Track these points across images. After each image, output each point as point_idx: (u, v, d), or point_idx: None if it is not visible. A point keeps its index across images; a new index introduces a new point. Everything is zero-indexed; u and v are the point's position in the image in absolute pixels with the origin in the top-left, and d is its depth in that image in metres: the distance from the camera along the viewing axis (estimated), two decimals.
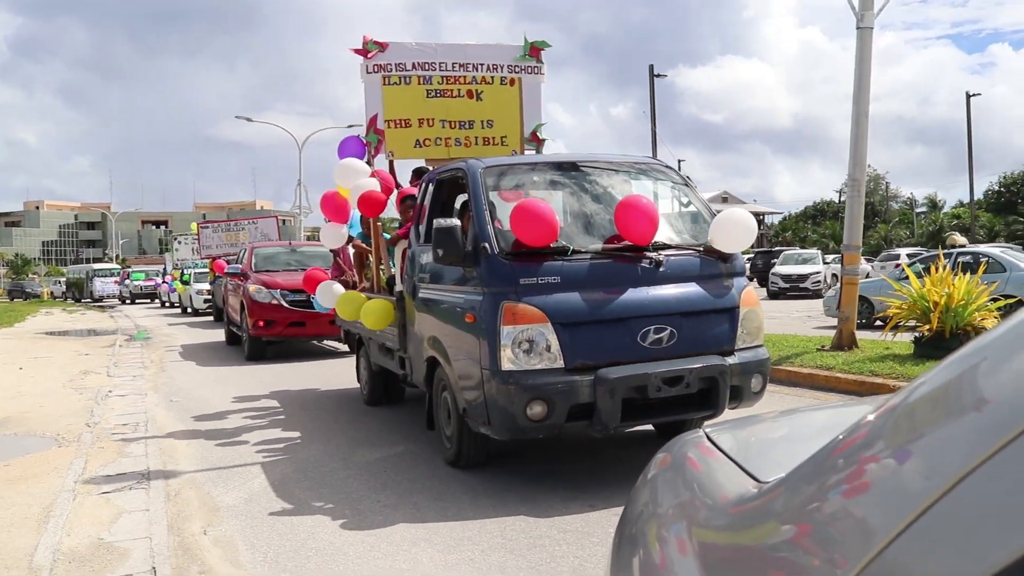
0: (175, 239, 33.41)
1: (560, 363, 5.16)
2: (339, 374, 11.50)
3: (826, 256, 30.94)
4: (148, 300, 44.13)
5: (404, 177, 8.73)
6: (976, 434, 0.83)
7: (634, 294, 5.37)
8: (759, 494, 1.28)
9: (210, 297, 25.09)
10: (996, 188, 70.36)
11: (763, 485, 1.32)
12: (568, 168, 6.25)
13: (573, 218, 5.95)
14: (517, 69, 8.71)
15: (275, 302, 13.06)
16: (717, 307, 5.57)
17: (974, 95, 41.56)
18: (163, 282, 37.00)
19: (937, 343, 9.43)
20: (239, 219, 26.75)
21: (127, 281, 46.45)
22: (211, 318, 24.80)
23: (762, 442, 1.85)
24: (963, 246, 26.95)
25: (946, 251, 15.84)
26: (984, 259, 13.68)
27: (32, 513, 5.40)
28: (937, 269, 9.68)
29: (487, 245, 5.38)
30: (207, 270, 25.27)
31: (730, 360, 5.48)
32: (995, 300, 9.97)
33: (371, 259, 8.70)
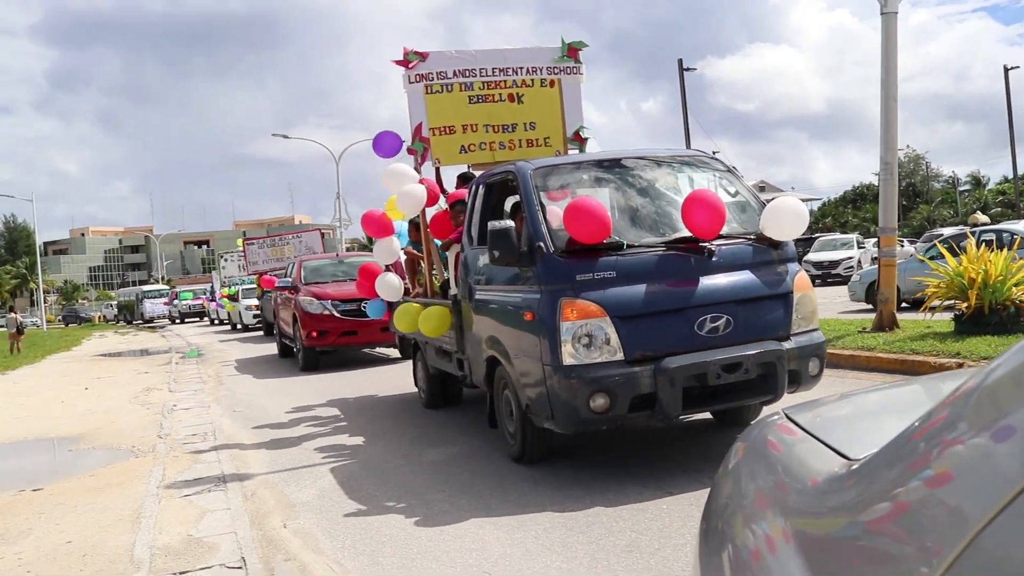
0: (221, 257, 34.01)
1: (620, 355, 5.27)
2: (393, 380, 11.70)
3: (865, 240, 30.49)
4: (197, 319, 44.96)
5: (449, 183, 8.90)
6: None
7: (689, 284, 5.46)
8: (850, 473, 1.25)
9: (259, 312, 25.52)
10: None
11: (853, 463, 1.29)
12: (615, 165, 6.36)
13: (624, 213, 6.04)
14: (556, 71, 8.83)
15: (327, 312, 13.34)
16: (771, 293, 5.64)
17: (1012, 68, 40.80)
18: (212, 300, 37.67)
19: (977, 319, 9.48)
20: (284, 234, 27.17)
21: (176, 301, 47.35)
22: (261, 333, 25.23)
23: (845, 420, 1.80)
24: (986, 224, 26.58)
25: (971, 230, 15.86)
26: (1012, 236, 13.59)
27: (124, 515, 5.81)
28: (961, 248, 9.67)
29: (542, 244, 5.51)
30: (255, 285, 25.74)
31: (787, 345, 5.55)
32: None
33: (423, 265, 8.87)
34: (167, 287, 58.15)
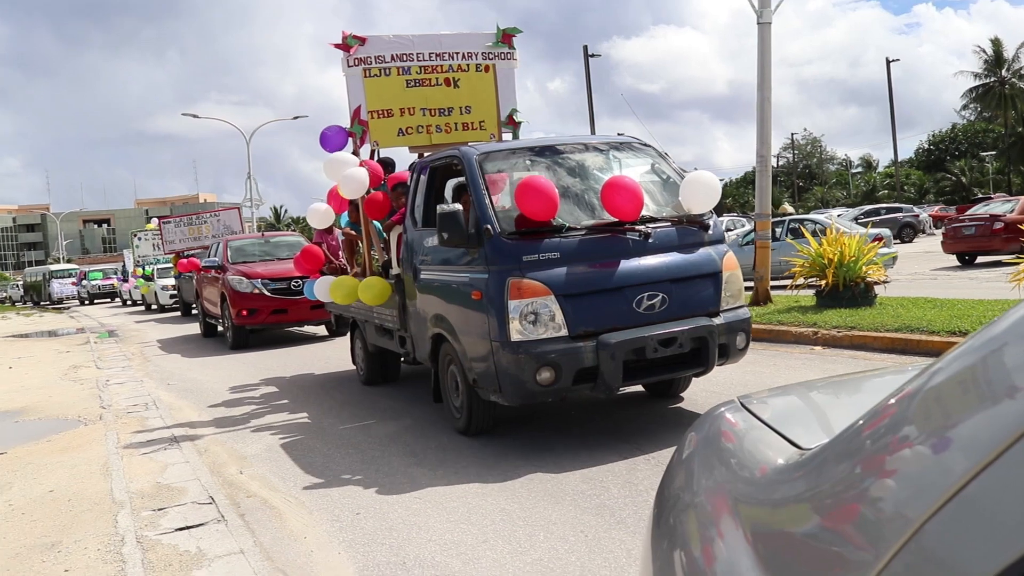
0: (135, 235, 33.12)
1: (564, 331, 5.61)
2: (325, 358, 11.87)
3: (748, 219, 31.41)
4: (108, 299, 43.73)
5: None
6: (1002, 417, 0.84)
7: (627, 265, 5.83)
8: (800, 463, 1.27)
9: (176, 292, 25.10)
10: (926, 146, 72.13)
11: (804, 452, 1.31)
12: (555, 151, 6.67)
13: (565, 197, 6.35)
14: (491, 56, 9.09)
15: (257, 291, 13.40)
16: (702, 272, 6.06)
17: (894, 60, 43.00)
18: (124, 280, 36.71)
19: (834, 294, 10.94)
20: (201, 212, 26.68)
21: (84, 281, 45.90)
22: (178, 313, 24.86)
23: (797, 409, 1.82)
24: (792, 214, 28.19)
25: (776, 219, 17.48)
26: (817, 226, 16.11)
27: (93, 470, 6.40)
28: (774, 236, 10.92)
29: (489, 227, 5.80)
30: (171, 266, 25.29)
31: (717, 320, 5.98)
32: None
33: (361, 245, 9.06)
34: (75, 267, 56.24)
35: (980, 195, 48.05)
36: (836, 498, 1.09)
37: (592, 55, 37.56)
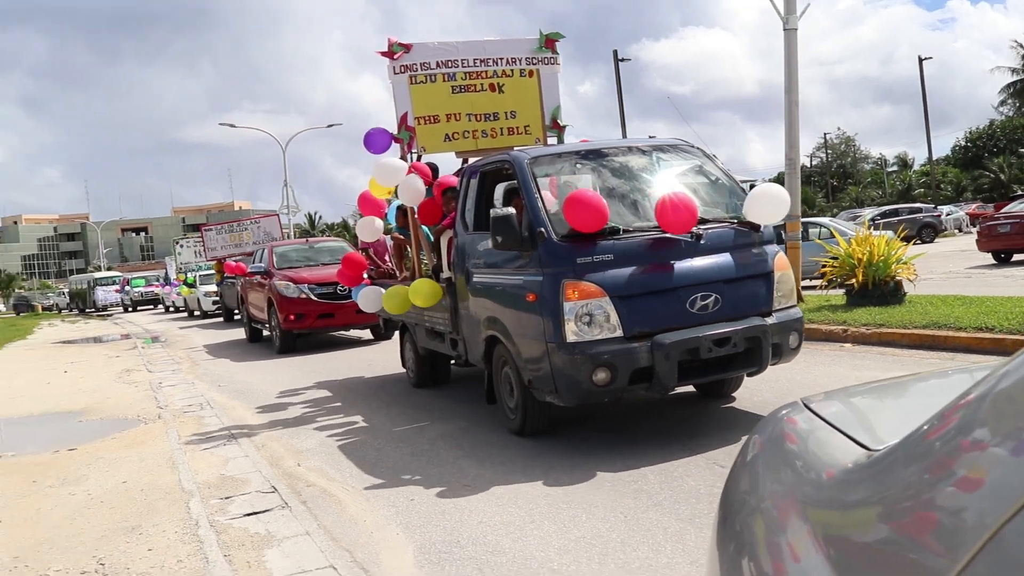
0: (176, 243, 33.69)
1: (619, 332, 5.69)
2: (373, 361, 12.04)
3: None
4: (151, 306, 44.43)
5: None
6: None
7: (680, 266, 5.90)
8: (868, 464, 1.25)
9: (219, 299, 25.49)
10: (963, 144, 71.19)
11: (872, 453, 1.29)
12: (604, 154, 6.76)
13: (616, 199, 6.44)
14: (534, 61, 9.20)
15: (304, 296, 13.63)
16: (754, 273, 6.11)
17: (926, 59, 42.55)
18: (166, 286, 37.29)
19: (863, 293, 11.12)
20: (241, 219, 27.11)
21: (127, 288, 46.69)
22: (220, 319, 25.23)
23: (863, 409, 1.79)
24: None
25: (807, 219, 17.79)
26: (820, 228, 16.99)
27: (160, 463, 6.80)
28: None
29: (543, 230, 5.90)
30: (213, 272, 25.69)
31: (769, 320, 6.03)
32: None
33: (409, 250, 9.20)
34: (119, 274, 57.22)
35: (1020, 192, 47.41)
36: (908, 502, 1.08)
37: (622, 59, 37.59)
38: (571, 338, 5.66)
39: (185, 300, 31.61)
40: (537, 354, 5.94)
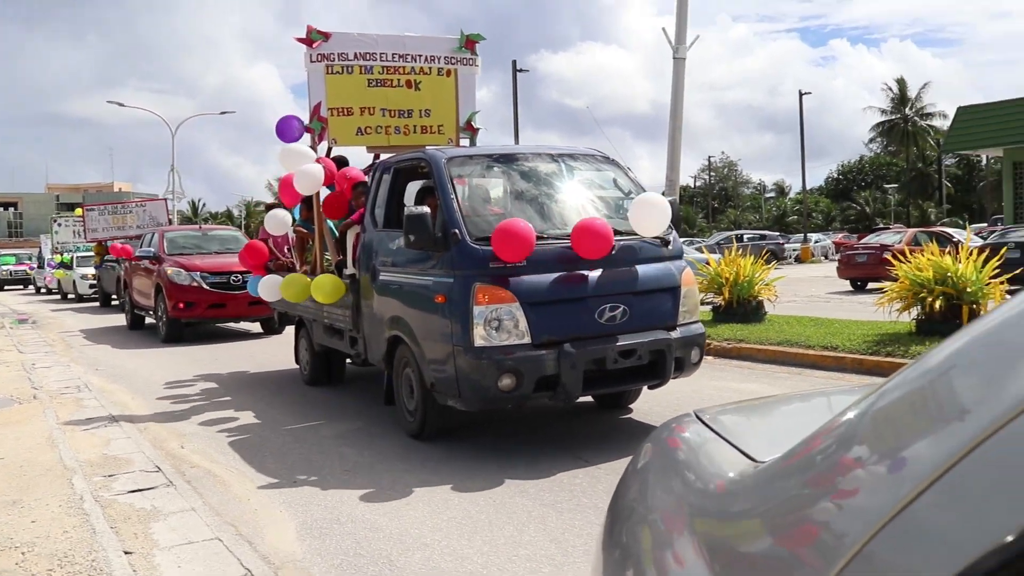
0: (54, 221, 32.01)
1: (527, 339, 5.66)
2: (262, 355, 11.69)
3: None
4: (20, 286, 42.06)
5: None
6: (947, 437, 0.87)
7: (591, 276, 5.90)
8: (753, 476, 1.28)
9: (96, 282, 24.36)
10: (835, 176, 75.32)
11: (758, 465, 1.32)
12: (522, 159, 6.73)
13: (531, 205, 6.42)
14: (453, 61, 9.11)
15: (195, 284, 13.13)
16: (662, 287, 6.18)
17: (806, 93, 45.23)
18: (40, 267, 35.38)
19: (728, 310, 11.86)
20: (127, 201, 26.06)
21: None
22: (97, 304, 24.12)
23: (752, 423, 1.83)
24: None
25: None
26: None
27: (39, 442, 6.61)
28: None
29: (457, 231, 5.81)
30: (92, 253, 24.54)
31: (674, 334, 6.10)
32: None
33: (312, 244, 8.96)
34: None
35: (881, 224, 50.41)
36: (789, 514, 1.10)
37: (520, 70, 37.89)
38: (479, 342, 5.59)
39: (59, 282, 30.04)
40: (442, 356, 5.84)
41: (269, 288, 8.90)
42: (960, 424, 0.86)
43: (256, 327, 14.96)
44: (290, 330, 13.03)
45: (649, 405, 7.17)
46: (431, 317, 5.99)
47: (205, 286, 13.14)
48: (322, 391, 8.68)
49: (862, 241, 22.88)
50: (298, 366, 9.52)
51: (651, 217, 6.19)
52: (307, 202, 9.11)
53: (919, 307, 9.39)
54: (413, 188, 7.63)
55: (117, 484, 5.44)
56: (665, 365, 6.01)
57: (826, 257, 40.09)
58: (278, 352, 11.76)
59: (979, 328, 0.98)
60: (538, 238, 5.90)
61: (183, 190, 34.71)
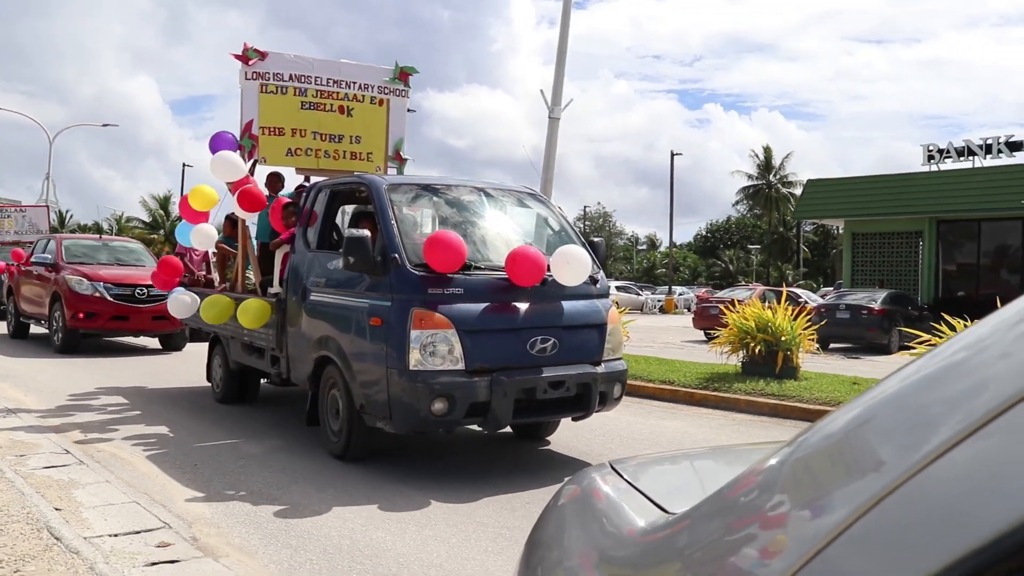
0: None
1: (461, 365, 5.81)
2: (166, 371, 11.40)
3: None
4: None
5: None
6: (860, 486, 0.89)
7: (524, 308, 6.11)
8: (665, 525, 1.30)
9: None
10: (704, 233, 78.82)
11: (669, 516, 1.34)
12: (461, 190, 6.92)
13: (466, 235, 6.59)
14: (386, 91, 9.27)
15: (97, 294, 12.70)
16: (590, 323, 6.44)
17: (677, 154, 48.87)
18: None
19: None
20: (4, 205, 24.96)
21: None
22: None
23: (667, 475, 1.88)
24: None
25: None
26: None
27: None
28: None
29: (397, 256, 5.94)
30: None
31: (599, 369, 6.36)
32: None
33: (233, 260, 8.89)
34: None
35: (742, 281, 53.08)
36: (699, 562, 1.11)
37: (409, 110, 38.31)
38: (414, 366, 5.71)
39: None
40: (374, 378, 5.93)
41: (179, 305, 8.75)
42: (874, 474, 0.88)
43: (154, 343, 14.56)
44: (190, 347, 12.90)
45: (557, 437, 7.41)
46: (365, 339, 6.08)
47: (108, 297, 12.73)
48: (237, 409, 8.58)
49: (717, 295, 24.72)
50: (210, 383, 9.36)
51: (570, 270, 6.34)
52: (231, 219, 9.06)
53: (744, 351, 10.83)
54: (346, 212, 7.73)
55: (31, 462, 5.96)
56: (591, 398, 6.25)
57: (688, 309, 42.56)
58: (182, 369, 11.52)
59: (889, 388, 0.99)
60: (473, 268, 6.10)
61: (57, 200, 33.27)
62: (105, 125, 46.31)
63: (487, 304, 6.00)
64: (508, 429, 7.45)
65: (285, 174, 9.02)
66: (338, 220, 7.82)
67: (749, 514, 1.08)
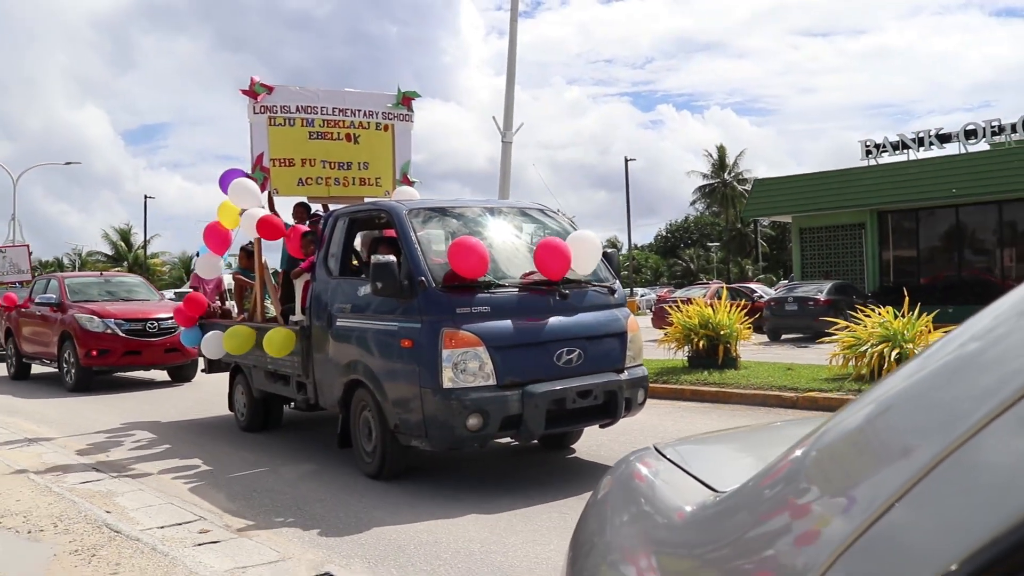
0: None
1: (493, 381, 6.02)
2: (183, 403, 11.52)
3: None
4: None
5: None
6: (891, 474, 0.89)
7: (549, 321, 6.33)
8: (713, 505, 1.29)
9: None
10: (664, 234, 79.50)
11: (718, 495, 1.32)
12: (477, 211, 7.15)
13: (488, 255, 6.80)
14: (391, 116, 9.48)
15: (109, 331, 12.82)
16: (612, 332, 6.66)
17: (631, 160, 50.49)
18: None
19: None
20: None
21: None
22: None
23: (712, 454, 1.86)
24: None
25: None
26: None
27: None
28: None
29: (424, 279, 6.15)
30: None
31: (623, 376, 6.58)
32: None
33: (250, 291, 9.07)
34: None
35: (703, 280, 53.78)
36: (744, 545, 1.12)
37: None
38: (447, 384, 5.91)
39: None
40: (408, 399, 6.12)
41: (211, 345, 8.87)
42: (906, 458, 0.89)
43: (162, 375, 14.67)
44: (201, 378, 13.02)
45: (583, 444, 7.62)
46: (396, 361, 6.27)
47: (120, 333, 12.86)
48: (264, 436, 8.74)
49: (673, 295, 25.50)
50: (232, 412, 9.51)
51: (584, 250, 6.65)
52: (246, 250, 9.24)
53: (688, 346, 11.87)
54: (361, 238, 7.92)
55: (69, 479, 6.76)
56: (617, 405, 6.47)
57: (651, 310, 43.16)
58: (195, 400, 11.66)
59: (914, 372, 1.02)
60: (497, 286, 6.32)
61: (24, 239, 33.35)
62: (68, 163, 46.15)
63: (513, 320, 6.21)
64: (534, 441, 7.69)
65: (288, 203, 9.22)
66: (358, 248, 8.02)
67: (783, 502, 1.09)
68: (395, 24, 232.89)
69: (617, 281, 7.08)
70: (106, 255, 58.62)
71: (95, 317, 12.92)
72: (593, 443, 7.67)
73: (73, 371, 13.11)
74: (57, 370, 13.87)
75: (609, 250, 7.51)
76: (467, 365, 5.97)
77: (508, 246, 6.99)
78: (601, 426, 6.89)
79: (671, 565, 1.30)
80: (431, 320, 6.07)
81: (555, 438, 7.56)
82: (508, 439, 6.51)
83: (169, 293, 24.23)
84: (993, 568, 0.72)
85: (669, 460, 1.67)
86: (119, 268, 51.65)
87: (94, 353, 12.73)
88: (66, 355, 13.26)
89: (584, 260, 6.69)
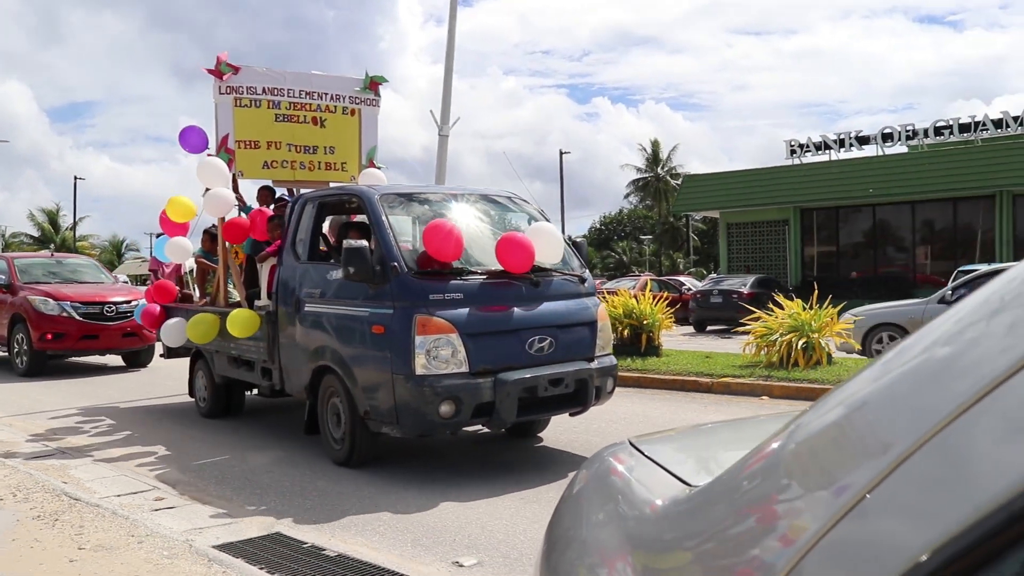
0: None
1: (465, 368, 6.00)
2: (139, 388, 11.32)
3: None
4: None
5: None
6: (865, 466, 0.89)
7: (521, 309, 6.33)
8: (687, 499, 1.30)
9: None
10: (598, 226, 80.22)
11: (692, 488, 1.34)
12: (448, 198, 7.10)
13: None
14: (357, 100, 9.38)
15: (65, 314, 12.50)
16: (582, 320, 6.68)
17: (566, 153, 51.17)
18: None
19: None
20: None
21: None
22: None
23: (687, 448, 1.85)
24: None
25: None
26: None
27: None
28: None
29: (396, 264, 6.10)
30: None
31: (593, 365, 6.61)
32: None
33: (213, 275, 8.92)
34: None
35: (635, 271, 54.50)
36: (717, 539, 1.13)
37: None
38: (420, 371, 5.88)
39: None
40: (379, 385, 6.07)
41: (172, 333, 8.72)
42: (879, 452, 0.89)
43: (117, 360, 14.39)
44: (158, 363, 12.78)
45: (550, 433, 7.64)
46: (367, 347, 6.22)
47: (76, 316, 12.55)
48: (227, 423, 8.62)
49: (605, 286, 25.97)
50: (192, 399, 9.36)
51: (545, 242, 6.63)
52: (210, 233, 9.09)
53: (615, 335, 11.80)
54: (337, 224, 7.83)
55: (20, 454, 7.01)
56: (587, 393, 6.49)
57: None
58: (151, 385, 11.48)
59: (894, 364, 1.01)
60: (469, 272, 6.30)
61: None
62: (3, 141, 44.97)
63: (486, 307, 6.19)
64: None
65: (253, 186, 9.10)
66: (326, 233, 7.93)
67: (759, 495, 1.10)
68: (332, 8, 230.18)
69: (587, 270, 7.09)
70: (32, 236, 56.85)
71: (50, 300, 12.60)
72: (551, 432, 7.70)
73: (25, 355, 12.79)
74: (7, 354, 13.52)
75: (579, 239, 7.54)
76: (440, 352, 5.94)
77: (479, 233, 6.95)
78: (572, 414, 6.92)
79: (647, 561, 1.30)
80: (404, 306, 6.03)
81: (522, 427, 7.56)
82: (478, 426, 6.49)
83: (122, 276, 23.74)
84: (963, 558, 0.74)
85: (644, 455, 1.67)
86: (48, 250, 50.23)
87: (49, 337, 12.41)
88: (18, 338, 12.92)
89: (547, 251, 6.66)
